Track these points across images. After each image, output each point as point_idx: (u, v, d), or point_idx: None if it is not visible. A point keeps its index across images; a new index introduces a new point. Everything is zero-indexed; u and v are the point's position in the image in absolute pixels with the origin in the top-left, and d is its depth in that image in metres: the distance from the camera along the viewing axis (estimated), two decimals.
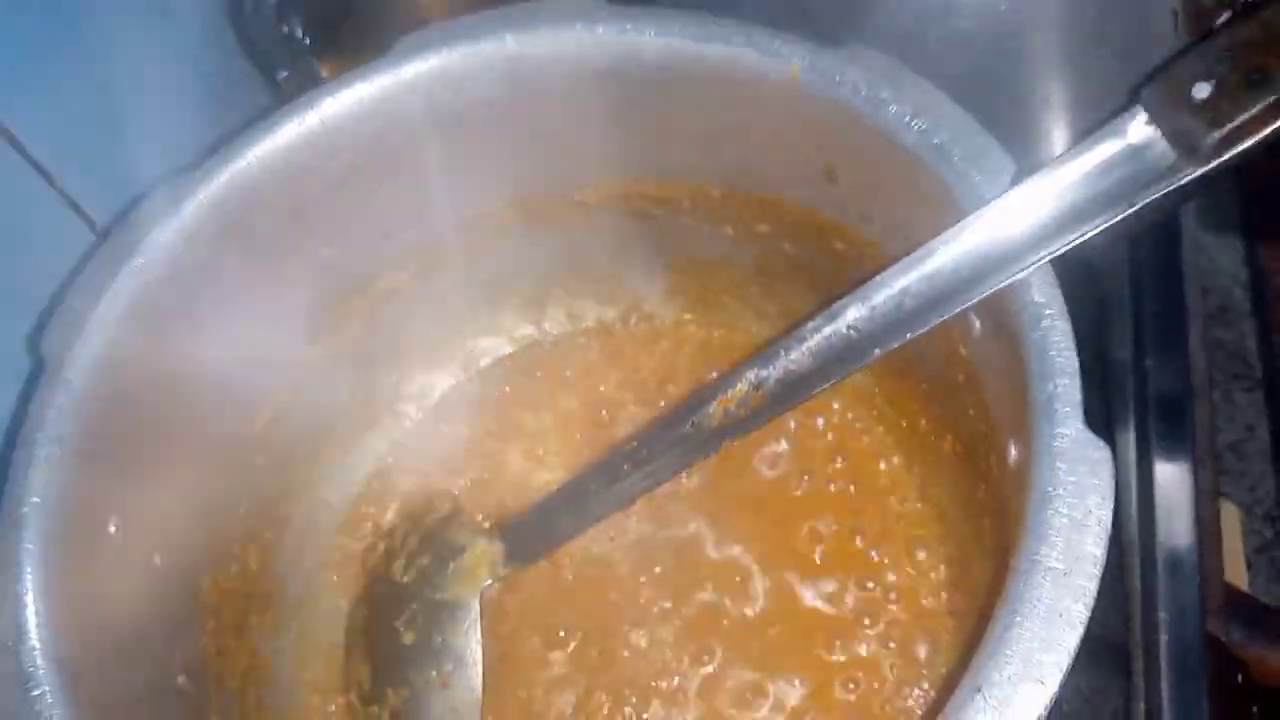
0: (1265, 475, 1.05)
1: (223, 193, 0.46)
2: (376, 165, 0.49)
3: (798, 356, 0.41)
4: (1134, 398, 0.59)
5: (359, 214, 0.51)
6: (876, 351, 0.40)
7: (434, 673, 0.51)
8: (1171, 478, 0.56)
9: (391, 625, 0.52)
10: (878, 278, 0.39)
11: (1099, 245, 0.62)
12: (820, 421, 0.55)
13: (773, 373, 0.42)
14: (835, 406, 0.55)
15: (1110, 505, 0.34)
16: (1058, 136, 0.52)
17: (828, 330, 0.40)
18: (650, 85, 0.46)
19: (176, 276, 0.45)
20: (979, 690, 0.32)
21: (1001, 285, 0.37)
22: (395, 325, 0.56)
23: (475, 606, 0.51)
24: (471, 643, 0.51)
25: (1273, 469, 1.05)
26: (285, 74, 0.61)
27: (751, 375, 0.43)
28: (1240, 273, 1.13)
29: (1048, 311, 0.37)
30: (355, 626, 0.54)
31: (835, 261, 0.48)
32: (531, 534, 0.52)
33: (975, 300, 0.38)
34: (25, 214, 0.50)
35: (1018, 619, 0.32)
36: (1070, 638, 0.32)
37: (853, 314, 0.40)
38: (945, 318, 0.39)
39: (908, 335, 0.39)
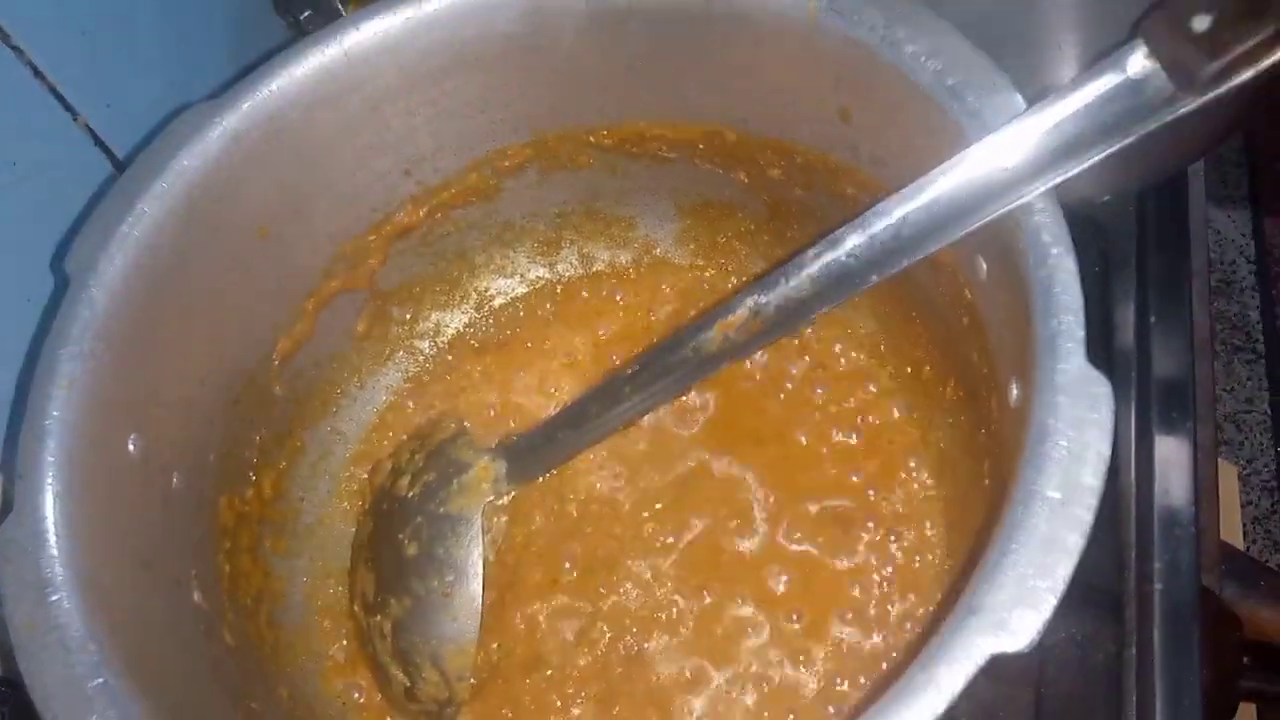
0: (1265, 447, 1.06)
1: (245, 123, 0.47)
2: (398, 100, 0.50)
3: (797, 283, 0.42)
4: (1136, 354, 0.59)
5: (378, 149, 0.51)
6: (874, 278, 0.41)
7: (436, 583, 0.52)
8: (1171, 433, 0.57)
9: (396, 538, 0.53)
10: (878, 206, 0.40)
11: (1107, 205, 0.63)
12: (824, 368, 0.56)
13: (773, 299, 0.43)
14: (838, 352, 0.56)
15: (1109, 439, 0.34)
16: (1068, 77, 0.52)
17: (828, 257, 0.41)
18: (669, 24, 0.47)
19: (199, 202, 0.46)
20: (974, 614, 0.32)
21: (998, 214, 0.38)
22: (410, 262, 0.57)
23: (477, 520, 0.52)
24: (473, 555, 0.52)
25: (1272, 440, 1.05)
26: (308, 13, 0.61)
27: (751, 301, 0.44)
28: (1246, 246, 1.14)
29: (1054, 250, 0.37)
30: (360, 540, 0.55)
31: (846, 207, 0.49)
32: (533, 452, 0.53)
33: (972, 228, 0.39)
34: (48, 146, 0.51)
35: (1013, 546, 0.33)
36: (1065, 566, 0.32)
37: (852, 241, 0.41)
38: (943, 244, 0.39)
39: (905, 262, 0.40)
